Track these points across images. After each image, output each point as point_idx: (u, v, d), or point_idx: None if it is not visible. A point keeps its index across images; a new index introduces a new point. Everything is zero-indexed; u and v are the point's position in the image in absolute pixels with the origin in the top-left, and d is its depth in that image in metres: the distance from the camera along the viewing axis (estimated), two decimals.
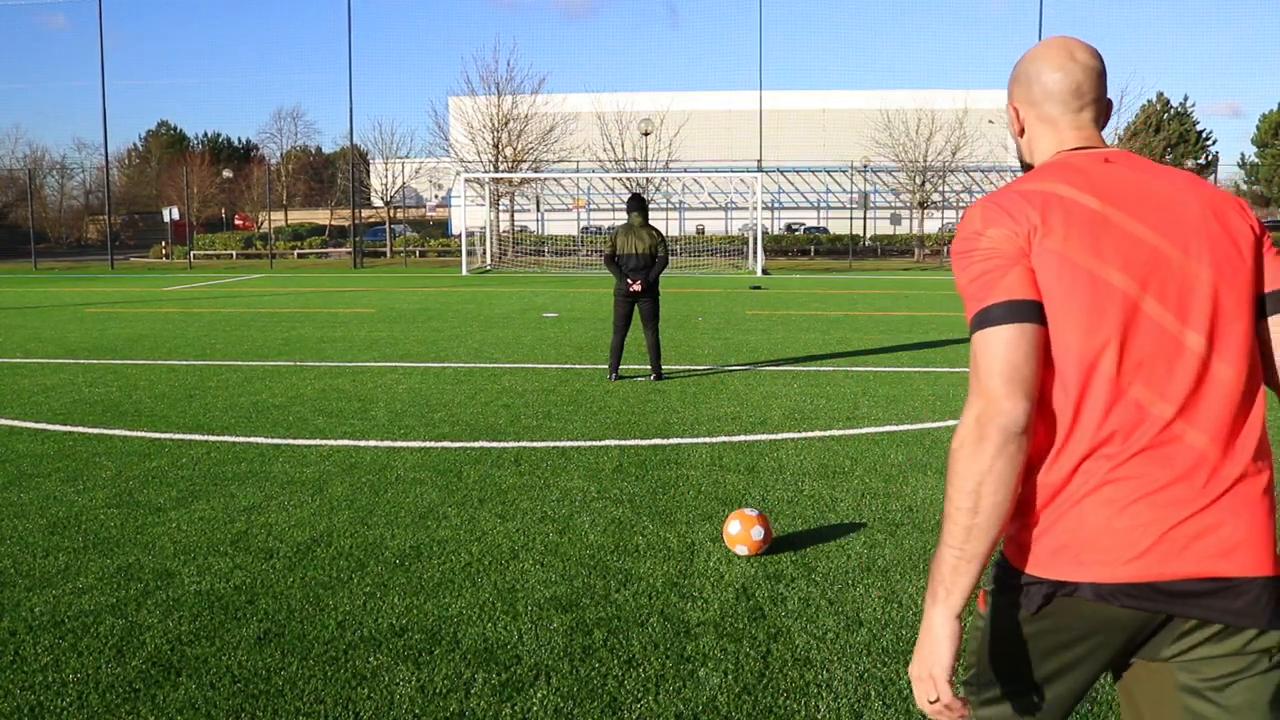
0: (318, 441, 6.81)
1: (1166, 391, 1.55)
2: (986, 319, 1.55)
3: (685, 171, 47.29)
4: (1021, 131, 1.79)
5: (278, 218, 54.58)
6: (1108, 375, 1.55)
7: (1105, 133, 1.79)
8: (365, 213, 50.40)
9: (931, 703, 1.59)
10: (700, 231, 49.84)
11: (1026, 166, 1.79)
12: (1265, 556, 1.55)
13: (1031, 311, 1.55)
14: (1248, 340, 1.59)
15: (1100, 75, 1.72)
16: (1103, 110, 1.74)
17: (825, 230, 49.26)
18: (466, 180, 34.41)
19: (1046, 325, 1.56)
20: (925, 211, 44.24)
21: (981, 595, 1.72)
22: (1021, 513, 1.62)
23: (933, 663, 1.58)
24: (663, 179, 44.39)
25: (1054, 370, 1.57)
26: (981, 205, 1.65)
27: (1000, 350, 1.53)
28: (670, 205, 51.92)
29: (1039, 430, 1.59)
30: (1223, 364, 1.57)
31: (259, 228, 54.72)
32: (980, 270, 1.59)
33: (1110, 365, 1.55)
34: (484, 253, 36.11)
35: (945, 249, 40.50)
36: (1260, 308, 1.62)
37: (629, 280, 9.33)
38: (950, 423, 7.45)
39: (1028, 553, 1.60)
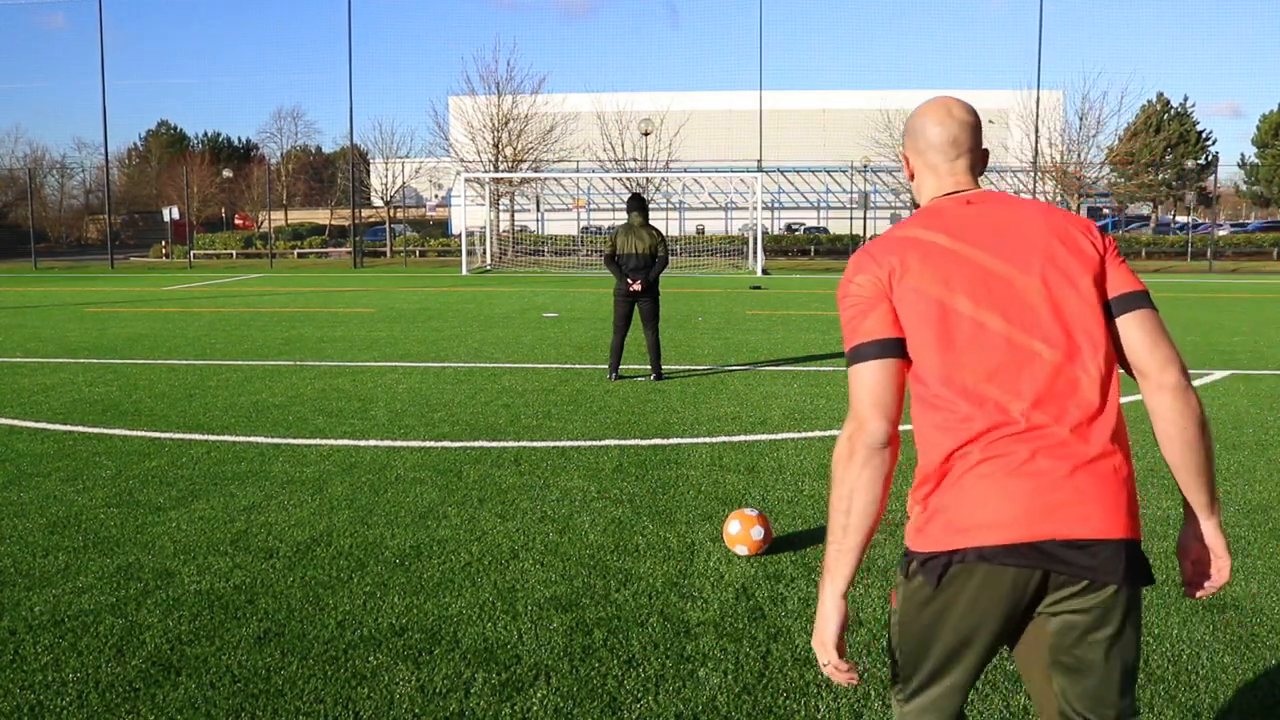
0: (318, 441, 6.81)
1: (1021, 391, 1.84)
2: (857, 356, 1.90)
3: (685, 171, 47.27)
4: (912, 176, 2.13)
5: (278, 217, 54.60)
6: (966, 384, 1.85)
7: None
8: (365, 212, 50.38)
9: (825, 665, 1.97)
10: (700, 231, 49.83)
11: (916, 205, 2.08)
12: (1119, 521, 1.82)
13: (892, 348, 1.88)
14: (1100, 341, 1.88)
15: (975, 129, 2.05)
16: (978, 159, 2.07)
17: (825, 230, 49.24)
18: (466, 180, 34.40)
19: (906, 356, 1.90)
20: None
21: (892, 593, 2.02)
22: (916, 506, 1.93)
23: (824, 632, 1.94)
24: (663, 179, 44.38)
25: (927, 386, 1.89)
26: (856, 255, 2.00)
27: (867, 382, 1.87)
28: (670, 205, 51.91)
29: (925, 436, 1.91)
30: (1074, 365, 1.86)
31: (259, 227, 54.71)
32: (850, 315, 1.94)
33: (968, 376, 1.85)
34: (484, 252, 36.11)
35: None
36: (1109, 311, 1.92)
37: (629, 280, 9.33)
38: None
39: (925, 536, 1.88)
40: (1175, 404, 1.87)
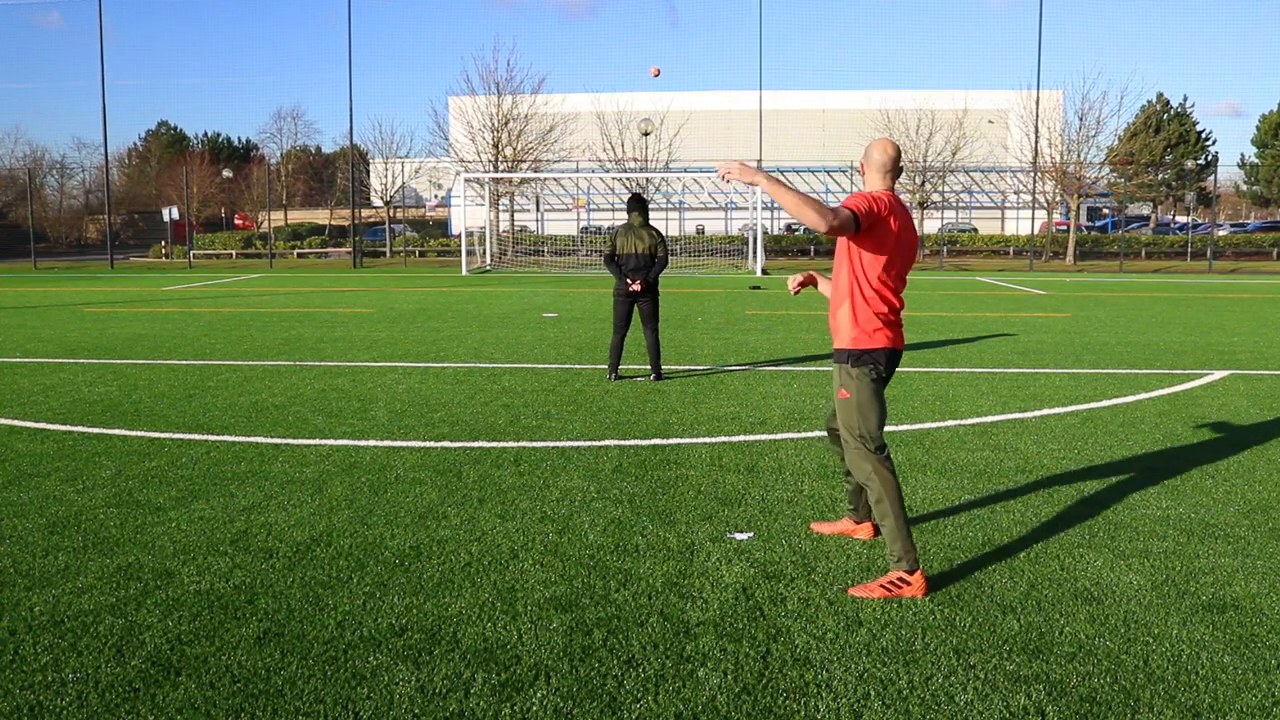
0: (317, 441, 6.81)
1: (898, 290, 4.28)
2: (857, 208, 4.07)
3: (685, 171, 47.25)
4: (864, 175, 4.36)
5: (277, 217, 54.59)
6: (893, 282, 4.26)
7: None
8: (365, 212, 50.39)
9: (729, 170, 4.00)
10: (700, 231, 49.82)
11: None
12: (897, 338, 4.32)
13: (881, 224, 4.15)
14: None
15: (899, 156, 4.36)
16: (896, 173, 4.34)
17: None
18: (466, 180, 34.40)
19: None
20: (925, 211, 44.22)
21: (843, 392, 4.26)
22: (861, 324, 4.20)
23: (755, 172, 3.99)
24: (663, 179, 44.39)
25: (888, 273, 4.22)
26: (884, 192, 4.22)
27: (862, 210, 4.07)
28: (670, 205, 51.91)
29: (879, 297, 4.21)
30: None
31: (259, 227, 54.71)
32: (869, 205, 4.07)
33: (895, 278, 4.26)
34: (484, 253, 36.11)
35: (945, 249, 40.50)
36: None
37: (628, 280, 9.33)
38: (950, 423, 7.45)
39: (867, 340, 4.20)
40: None
